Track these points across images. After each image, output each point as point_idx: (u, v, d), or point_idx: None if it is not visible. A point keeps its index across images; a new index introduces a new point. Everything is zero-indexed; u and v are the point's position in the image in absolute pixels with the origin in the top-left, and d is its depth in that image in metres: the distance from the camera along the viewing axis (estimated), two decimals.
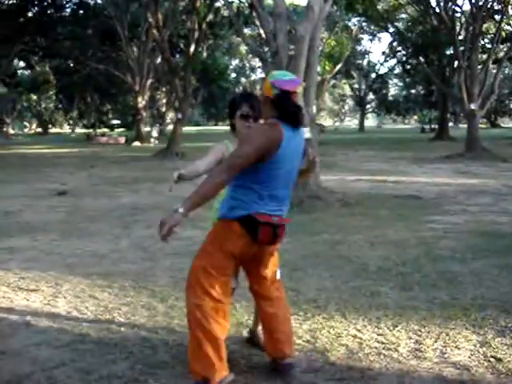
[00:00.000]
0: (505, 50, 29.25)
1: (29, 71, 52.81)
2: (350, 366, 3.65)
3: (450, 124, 49.05)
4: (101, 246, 7.46)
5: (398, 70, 60.27)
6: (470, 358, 3.74)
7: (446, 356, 3.77)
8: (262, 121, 3.42)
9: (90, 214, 10.14)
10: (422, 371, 3.56)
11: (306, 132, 10.56)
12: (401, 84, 71.80)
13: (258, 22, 13.28)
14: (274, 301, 3.53)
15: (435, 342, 4.00)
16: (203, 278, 3.24)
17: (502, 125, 74.23)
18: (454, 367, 3.60)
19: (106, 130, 61.93)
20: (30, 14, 34.53)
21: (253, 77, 71.97)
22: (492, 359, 3.70)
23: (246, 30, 29.17)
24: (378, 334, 4.17)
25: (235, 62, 72.42)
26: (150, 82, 38.26)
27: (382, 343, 4.01)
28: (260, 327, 3.75)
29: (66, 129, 77.46)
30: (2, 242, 7.75)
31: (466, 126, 26.59)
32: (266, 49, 13.15)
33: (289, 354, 3.51)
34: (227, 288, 3.34)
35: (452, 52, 32.56)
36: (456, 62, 27.18)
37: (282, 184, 3.30)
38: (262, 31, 12.80)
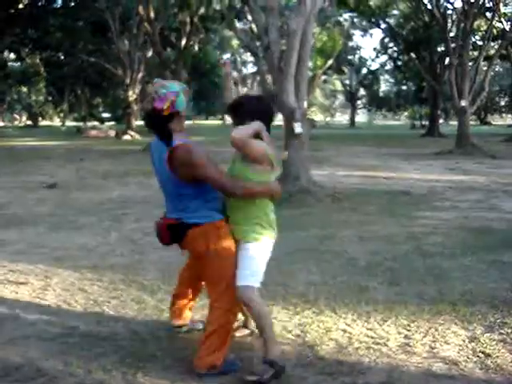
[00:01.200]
0: (496, 47, 29.33)
1: (19, 63, 52.34)
2: (340, 361, 3.66)
3: (441, 121, 49.08)
4: (90, 239, 7.43)
5: (389, 66, 60.29)
6: (458, 353, 3.76)
7: (435, 351, 3.79)
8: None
9: (80, 207, 10.09)
10: (411, 366, 3.58)
11: (297, 127, 10.60)
12: (392, 80, 71.85)
13: (249, 17, 13.23)
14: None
15: (424, 336, 4.02)
16: None
17: (492, 122, 74.54)
18: (442, 362, 3.62)
19: (96, 123, 61.58)
20: (20, 6, 34.23)
21: (244, 71, 71.79)
22: (481, 354, 3.72)
23: (238, 25, 29.06)
24: (367, 329, 4.18)
25: (226, 56, 72.22)
26: (140, 75, 38.04)
27: (372, 338, 4.02)
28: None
29: (56, 121, 76.97)
30: None
31: (456, 122, 26.68)
32: (258, 43, 13.11)
33: (194, 365, 3.49)
34: None
35: (443, 49, 32.63)
36: (447, 59, 27.28)
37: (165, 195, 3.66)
38: (253, 25, 12.76)
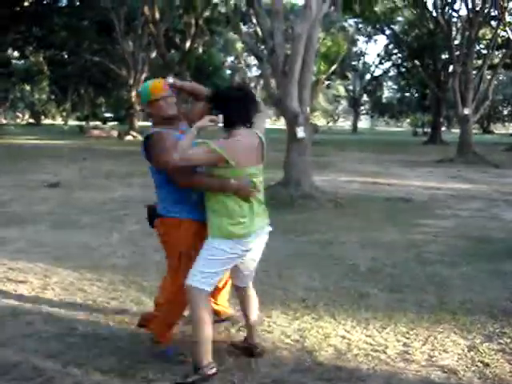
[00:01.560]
0: (500, 56, 29.31)
1: (22, 61, 52.38)
2: (339, 367, 3.66)
3: (443, 128, 49.14)
4: (91, 239, 7.43)
5: (392, 73, 60.33)
6: (457, 362, 3.75)
7: (433, 359, 3.78)
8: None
9: (81, 207, 10.10)
10: (410, 374, 3.57)
11: (300, 131, 10.60)
12: (395, 87, 71.86)
13: (255, 20, 13.23)
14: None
15: (423, 345, 4.01)
16: None
17: (495, 131, 74.51)
18: (441, 371, 3.62)
19: (98, 122, 61.64)
20: (25, 4, 34.26)
21: (248, 74, 71.78)
22: (479, 364, 3.71)
23: (243, 28, 29.07)
24: (366, 336, 4.18)
25: (230, 59, 72.27)
26: (144, 76, 38.11)
27: (371, 345, 4.01)
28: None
29: (59, 120, 77.06)
30: None
31: (458, 130, 26.66)
32: (262, 47, 13.11)
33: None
34: None
35: (447, 56, 32.63)
36: (451, 67, 27.24)
37: None
38: (258, 29, 12.77)
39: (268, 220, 3.65)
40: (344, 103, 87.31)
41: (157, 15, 25.49)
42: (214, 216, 3.43)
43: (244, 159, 3.39)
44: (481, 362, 3.75)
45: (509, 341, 4.08)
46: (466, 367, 3.67)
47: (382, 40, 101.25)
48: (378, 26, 41.93)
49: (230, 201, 3.39)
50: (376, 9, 33.76)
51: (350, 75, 64.17)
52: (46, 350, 3.84)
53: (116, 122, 62.42)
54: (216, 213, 3.42)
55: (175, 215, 3.62)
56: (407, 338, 4.12)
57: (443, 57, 37.46)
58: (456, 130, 48.70)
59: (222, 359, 3.69)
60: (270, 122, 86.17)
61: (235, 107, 3.42)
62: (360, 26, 47.66)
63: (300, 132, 10.56)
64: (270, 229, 3.65)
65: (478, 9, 23.55)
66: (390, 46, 50.53)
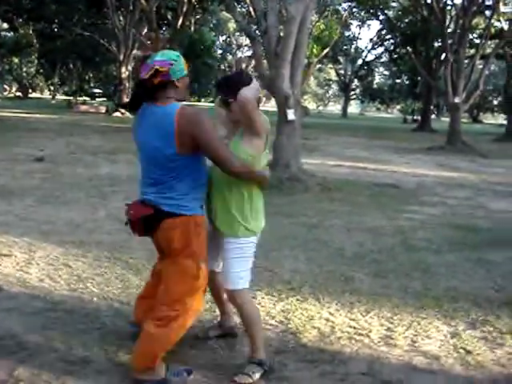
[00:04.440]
0: (493, 46, 29.35)
1: (12, 33, 51.69)
2: (322, 349, 3.67)
3: (433, 116, 49.26)
4: (77, 214, 7.39)
5: (384, 59, 60.32)
6: (440, 348, 3.78)
7: (416, 345, 3.80)
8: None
9: (67, 182, 10.02)
10: (392, 358, 3.59)
11: (290, 113, 10.56)
12: (386, 73, 71.93)
13: (248, 0, 13.11)
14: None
15: (406, 330, 4.03)
16: None
17: (484, 121, 74.84)
18: (423, 356, 3.64)
19: (86, 98, 61.14)
20: None
21: (239, 54, 71.40)
22: (461, 351, 3.74)
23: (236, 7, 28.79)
24: (350, 319, 4.19)
25: (222, 39, 71.83)
26: (134, 52, 37.76)
27: (354, 328, 4.03)
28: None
29: (47, 94, 76.31)
30: None
31: (448, 119, 26.72)
32: (255, 27, 13.00)
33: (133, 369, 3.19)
34: None
35: (440, 44, 32.61)
36: (443, 55, 27.25)
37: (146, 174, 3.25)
38: (251, 9, 12.66)
39: None
40: (335, 87, 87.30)
41: None
42: (239, 212, 3.25)
43: (263, 146, 3.30)
44: (463, 348, 3.77)
45: (491, 329, 4.10)
46: (448, 353, 3.69)
47: (375, 25, 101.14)
48: (371, 11, 41.77)
49: (256, 195, 3.31)
50: None
51: (341, 59, 64.07)
52: (30, 325, 3.81)
53: (104, 98, 61.90)
54: (240, 209, 3.25)
55: (199, 212, 3.21)
56: (391, 323, 4.14)
57: (436, 44, 37.49)
58: (445, 119, 48.89)
59: (205, 339, 3.70)
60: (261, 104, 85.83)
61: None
62: (354, 10, 47.46)
63: (290, 114, 10.51)
64: None
65: None
66: (383, 32, 50.49)
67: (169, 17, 37.85)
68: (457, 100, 22.81)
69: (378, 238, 6.86)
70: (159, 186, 3.12)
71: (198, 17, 38.77)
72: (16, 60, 65.81)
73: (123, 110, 36.87)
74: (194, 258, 3.16)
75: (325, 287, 4.85)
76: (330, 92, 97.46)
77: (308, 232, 7.00)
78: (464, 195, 10.79)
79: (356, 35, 65.58)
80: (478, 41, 29.83)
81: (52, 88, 70.56)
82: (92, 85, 67.79)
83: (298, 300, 4.52)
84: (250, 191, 3.27)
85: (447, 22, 26.68)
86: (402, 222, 7.86)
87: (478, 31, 33.63)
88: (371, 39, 59.03)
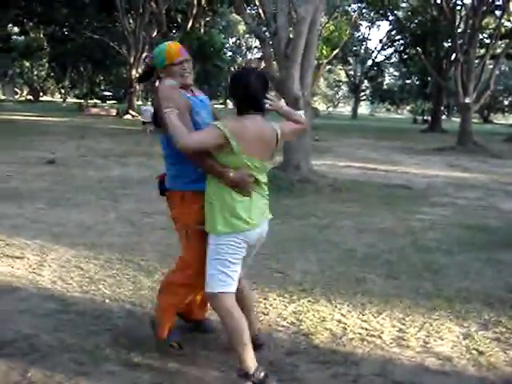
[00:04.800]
0: (503, 46, 29.16)
1: (23, 37, 52.01)
2: (334, 350, 3.66)
3: (443, 116, 49.06)
4: (88, 217, 7.42)
5: (394, 59, 60.06)
6: (452, 349, 3.76)
7: (428, 346, 3.79)
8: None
9: (79, 185, 10.07)
10: (405, 359, 3.58)
11: (300, 115, 10.55)
12: (396, 73, 71.67)
13: (257, 2, 13.12)
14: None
15: (419, 331, 4.02)
16: None
17: (495, 121, 74.44)
18: (436, 357, 3.62)
19: (97, 101, 61.43)
20: None
21: (249, 56, 71.41)
22: (474, 352, 3.72)
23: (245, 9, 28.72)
24: (362, 320, 4.18)
25: (232, 41, 71.87)
26: (145, 55, 37.90)
27: (366, 329, 4.02)
28: None
29: (58, 97, 76.78)
30: None
31: (458, 119, 26.61)
32: (264, 28, 13.02)
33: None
34: None
35: (450, 44, 32.47)
36: (453, 55, 27.12)
37: None
38: (261, 11, 12.66)
39: (268, 214, 3.36)
40: (344, 88, 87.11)
41: None
42: (211, 208, 3.17)
43: (248, 146, 3.08)
44: (475, 349, 3.75)
45: (504, 330, 4.08)
46: (461, 354, 3.67)
47: (384, 26, 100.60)
48: (381, 12, 41.67)
49: (227, 193, 3.13)
50: None
51: (351, 60, 63.89)
52: (42, 326, 3.83)
53: (114, 101, 62.18)
54: (212, 205, 3.16)
55: (177, 187, 3.38)
56: (403, 324, 4.13)
57: (446, 45, 37.31)
58: (456, 119, 48.68)
59: (218, 340, 3.70)
60: None
61: (243, 92, 3.14)
62: (363, 10, 47.37)
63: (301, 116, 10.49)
64: (271, 216, 3.37)
65: None
66: (393, 32, 50.32)
67: (179, 19, 37.95)
68: (467, 100, 22.72)
69: (389, 238, 6.83)
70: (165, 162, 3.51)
71: (207, 19, 38.79)
72: (27, 63, 66.28)
73: (134, 113, 37.05)
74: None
75: (336, 288, 4.84)
76: (340, 93, 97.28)
77: (319, 233, 6.99)
78: (475, 196, 10.74)
79: (366, 36, 65.37)
80: (488, 41, 29.66)
81: (63, 91, 71.01)
82: (102, 87, 68.15)
83: (309, 301, 4.52)
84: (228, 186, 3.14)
85: (457, 22, 26.55)
86: (412, 223, 7.83)
87: (488, 31, 33.46)
88: (381, 40, 58.89)
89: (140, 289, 4.66)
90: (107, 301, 4.38)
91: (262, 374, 3.10)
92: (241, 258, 3.20)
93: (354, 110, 70.54)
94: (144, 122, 22.04)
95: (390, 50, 57.07)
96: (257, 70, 3.35)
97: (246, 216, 3.12)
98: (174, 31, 39.81)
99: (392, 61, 61.85)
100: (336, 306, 4.43)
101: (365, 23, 57.69)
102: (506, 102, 71.50)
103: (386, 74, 73.10)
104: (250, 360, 3.11)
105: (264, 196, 3.29)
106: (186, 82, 3.31)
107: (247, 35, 67.12)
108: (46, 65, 64.53)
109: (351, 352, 3.66)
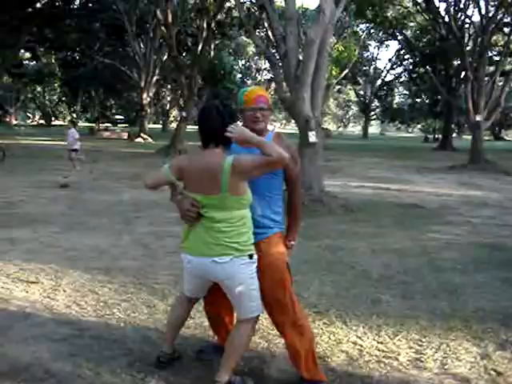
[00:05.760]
0: None
1: (34, 62, 52.70)
2: (350, 373, 3.63)
3: (454, 134, 48.96)
4: (102, 240, 7.44)
5: (404, 78, 60.19)
6: (470, 370, 3.72)
7: (446, 367, 3.75)
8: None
9: (92, 208, 10.13)
10: (422, 381, 3.54)
11: (312, 136, 10.58)
12: (406, 92, 71.71)
13: (267, 24, 13.24)
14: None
15: (436, 352, 3.98)
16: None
17: (506, 138, 74.17)
18: (454, 379, 3.58)
19: (108, 124, 61.96)
20: (38, 5, 34.45)
21: (258, 78, 71.82)
22: (492, 372, 3.68)
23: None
24: (378, 342, 4.15)
25: (241, 63, 72.37)
26: (155, 78, 38.25)
27: (383, 351, 3.99)
28: None
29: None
30: (3, 232, 7.74)
31: (469, 137, 26.53)
32: (273, 51, 13.11)
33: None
34: None
35: (459, 62, 32.52)
36: (463, 73, 27.12)
37: None
38: (270, 33, 12.77)
39: (222, 251, 3.19)
40: (354, 108, 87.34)
41: (169, 19, 25.42)
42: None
43: (189, 183, 3.27)
44: (494, 370, 3.71)
45: None
46: (479, 375, 3.63)
47: (393, 45, 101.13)
48: (389, 32, 41.83)
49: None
50: (388, 14, 33.78)
51: (360, 80, 64.13)
52: (57, 352, 3.83)
53: (126, 124, 62.68)
54: None
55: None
56: (419, 345, 4.09)
57: (455, 63, 37.36)
58: (467, 137, 48.53)
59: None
60: (280, 126, 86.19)
61: (201, 126, 3.31)
62: (372, 31, 47.62)
63: (312, 136, 10.54)
64: (226, 258, 3.18)
65: (490, 15, 23.46)
66: (402, 52, 50.50)
67: (189, 43, 38.29)
68: (478, 118, 22.66)
69: (404, 258, 6.80)
70: None
71: (217, 42, 39.15)
72: (39, 88, 67.06)
73: (145, 136, 37.28)
74: None
75: (352, 310, 4.81)
76: (350, 113, 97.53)
77: (332, 254, 6.97)
78: (488, 214, 10.67)
79: (375, 56, 65.78)
80: (497, 58, 29.65)
81: (74, 115, 71.70)
82: (114, 111, 68.77)
83: (324, 323, 4.49)
84: None
85: (466, 40, 26.62)
86: (427, 243, 7.79)
87: (497, 48, 33.48)
88: (390, 59, 59.12)
89: (155, 312, 4.66)
90: (122, 325, 4.38)
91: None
92: (189, 275, 3.45)
93: (365, 129, 70.60)
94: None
95: (400, 69, 57.40)
96: (222, 104, 3.32)
97: (183, 238, 3.40)
98: (184, 54, 40.19)
99: (401, 80, 62.01)
100: (352, 328, 4.40)
101: (373, 43, 58.07)
102: None
103: (396, 93, 73.22)
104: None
105: (214, 230, 3.20)
106: (255, 128, 3.38)
107: (256, 57, 67.61)
108: (58, 89, 65.30)
109: (368, 374, 3.62)
